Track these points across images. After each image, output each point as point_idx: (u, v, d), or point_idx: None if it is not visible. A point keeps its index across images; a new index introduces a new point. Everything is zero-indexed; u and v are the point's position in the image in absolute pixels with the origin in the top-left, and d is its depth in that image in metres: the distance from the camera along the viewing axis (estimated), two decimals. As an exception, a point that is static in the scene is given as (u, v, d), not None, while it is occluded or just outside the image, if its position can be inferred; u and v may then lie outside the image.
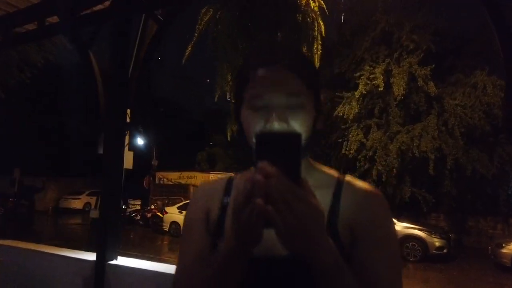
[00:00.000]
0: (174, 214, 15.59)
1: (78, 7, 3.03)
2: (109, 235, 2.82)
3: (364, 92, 13.85)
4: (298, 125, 0.78)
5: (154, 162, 20.79)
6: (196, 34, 2.56)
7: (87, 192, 22.46)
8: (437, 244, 10.88)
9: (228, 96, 2.78)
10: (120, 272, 2.68)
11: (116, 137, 2.95)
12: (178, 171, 22.10)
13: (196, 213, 0.91)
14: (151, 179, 20.84)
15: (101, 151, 3.53)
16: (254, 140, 0.85)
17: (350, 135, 14.29)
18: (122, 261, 2.80)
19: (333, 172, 0.91)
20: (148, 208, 18.82)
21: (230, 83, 2.65)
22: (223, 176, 0.98)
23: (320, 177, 0.88)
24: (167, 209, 16.28)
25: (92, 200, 21.96)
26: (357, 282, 0.68)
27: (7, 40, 4.04)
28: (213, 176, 20.64)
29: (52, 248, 3.11)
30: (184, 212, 15.36)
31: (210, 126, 30.16)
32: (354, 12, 15.73)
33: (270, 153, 0.61)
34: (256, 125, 0.82)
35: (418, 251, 10.87)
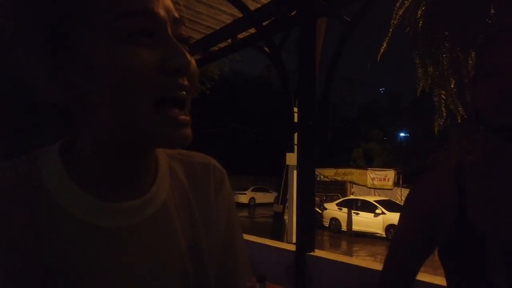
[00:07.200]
0: (333, 211, 15.73)
1: (272, 18, 3.36)
2: (306, 228, 3.01)
3: None
4: None
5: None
6: (391, 30, 2.53)
7: (251, 188, 24.54)
8: None
9: (428, 89, 2.66)
10: (320, 263, 2.84)
11: (307, 136, 3.12)
12: (334, 167, 22.12)
13: (417, 213, 0.85)
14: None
15: (291, 150, 3.81)
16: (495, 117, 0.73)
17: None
18: (319, 253, 2.96)
19: None
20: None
21: (432, 76, 2.54)
22: (445, 167, 0.84)
23: None
24: (326, 205, 16.51)
25: (256, 195, 24.00)
26: None
27: (205, 57, 4.74)
28: (370, 172, 19.95)
29: (256, 238, 3.51)
30: (343, 209, 15.40)
31: (364, 122, 29.43)
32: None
33: None
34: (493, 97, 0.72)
35: None
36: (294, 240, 3.77)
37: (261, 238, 3.49)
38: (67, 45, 0.43)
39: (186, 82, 0.46)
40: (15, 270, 0.44)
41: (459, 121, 3.05)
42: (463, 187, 0.77)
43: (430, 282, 2.14)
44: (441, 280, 2.17)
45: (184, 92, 0.45)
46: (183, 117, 0.45)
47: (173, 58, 0.43)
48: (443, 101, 3.00)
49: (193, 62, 0.47)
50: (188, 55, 0.45)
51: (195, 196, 0.58)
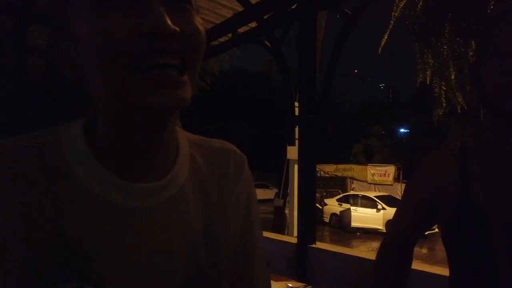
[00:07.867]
0: (333, 206, 15.75)
1: (273, 12, 3.38)
2: (307, 221, 3.05)
3: None
4: None
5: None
6: (392, 22, 2.53)
7: (252, 185, 24.54)
8: None
9: (428, 81, 2.66)
10: (321, 254, 2.87)
11: (307, 130, 3.14)
12: (334, 163, 22.15)
13: (419, 190, 0.89)
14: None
15: (292, 143, 3.83)
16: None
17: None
18: (320, 245, 2.99)
19: None
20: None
21: (432, 68, 2.54)
22: (449, 148, 0.85)
23: None
24: (326, 201, 16.53)
25: (257, 192, 23.87)
26: None
27: (205, 52, 4.75)
28: (371, 168, 19.98)
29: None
30: (343, 205, 15.44)
31: (364, 118, 29.51)
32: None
33: None
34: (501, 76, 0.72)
35: None
36: (295, 234, 3.80)
37: (263, 231, 3.51)
38: (66, 21, 0.45)
39: (169, 46, 0.42)
40: (30, 234, 0.44)
41: (459, 111, 3.07)
42: (465, 167, 0.77)
43: (430, 271, 2.16)
44: (440, 270, 2.19)
45: (167, 57, 0.43)
46: (169, 77, 0.43)
47: (146, 21, 0.41)
48: (443, 92, 3.01)
49: (190, 20, 0.45)
50: (167, 19, 0.41)
51: (213, 182, 0.58)
